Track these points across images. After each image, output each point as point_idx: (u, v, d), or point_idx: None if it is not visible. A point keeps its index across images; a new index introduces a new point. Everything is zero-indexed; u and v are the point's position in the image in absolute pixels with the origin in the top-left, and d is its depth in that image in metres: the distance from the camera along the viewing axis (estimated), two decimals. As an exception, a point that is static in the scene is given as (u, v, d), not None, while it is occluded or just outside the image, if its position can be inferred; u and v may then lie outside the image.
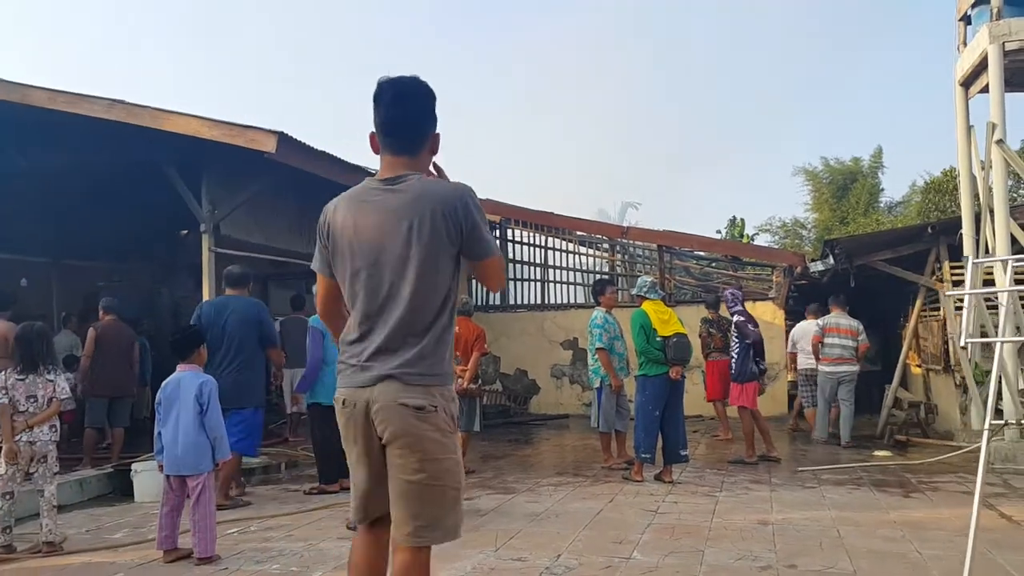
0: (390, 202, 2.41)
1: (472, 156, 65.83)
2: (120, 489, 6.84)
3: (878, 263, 9.85)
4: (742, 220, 30.02)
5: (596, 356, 7.58)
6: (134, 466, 6.67)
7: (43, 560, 4.79)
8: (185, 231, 10.83)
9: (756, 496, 6.29)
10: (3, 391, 4.93)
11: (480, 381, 8.17)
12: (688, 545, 4.76)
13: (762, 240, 28.46)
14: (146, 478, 6.54)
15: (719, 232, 28.99)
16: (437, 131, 2.54)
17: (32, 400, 4.97)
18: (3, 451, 4.96)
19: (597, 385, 7.63)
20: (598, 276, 11.82)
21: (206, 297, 7.94)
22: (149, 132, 7.36)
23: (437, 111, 2.54)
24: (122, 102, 7.24)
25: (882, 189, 27.84)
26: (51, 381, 5.05)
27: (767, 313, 11.95)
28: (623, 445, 7.82)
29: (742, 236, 28.26)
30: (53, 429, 5.07)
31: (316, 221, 2.61)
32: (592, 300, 9.34)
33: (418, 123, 2.49)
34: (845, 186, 27.37)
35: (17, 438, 4.91)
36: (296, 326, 8.92)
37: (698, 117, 66.00)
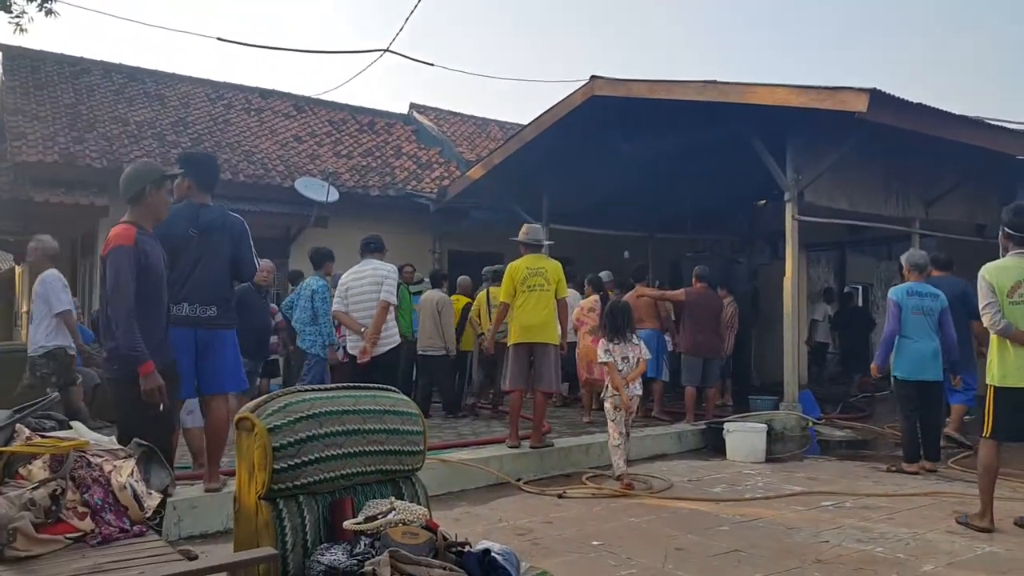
0: None
1: None
2: (712, 445, 7.35)
3: None
4: None
5: None
6: (727, 426, 7.09)
7: (659, 500, 5.45)
8: (762, 201, 11.05)
9: None
10: (607, 352, 5.91)
11: None
12: None
13: None
14: (737, 438, 6.91)
15: None
16: None
17: (625, 361, 5.90)
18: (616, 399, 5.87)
19: None
20: None
21: (789, 265, 7.96)
22: (734, 107, 7.59)
23: None
24: (714, 83, 7.62)
25: None
26: (637, 345, 5.97)
27: None
28: None
29: None
30: (639, 387, 5.95)
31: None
32: None
33: None
34: None
35: (621, 390, 5.84)
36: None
37: None
